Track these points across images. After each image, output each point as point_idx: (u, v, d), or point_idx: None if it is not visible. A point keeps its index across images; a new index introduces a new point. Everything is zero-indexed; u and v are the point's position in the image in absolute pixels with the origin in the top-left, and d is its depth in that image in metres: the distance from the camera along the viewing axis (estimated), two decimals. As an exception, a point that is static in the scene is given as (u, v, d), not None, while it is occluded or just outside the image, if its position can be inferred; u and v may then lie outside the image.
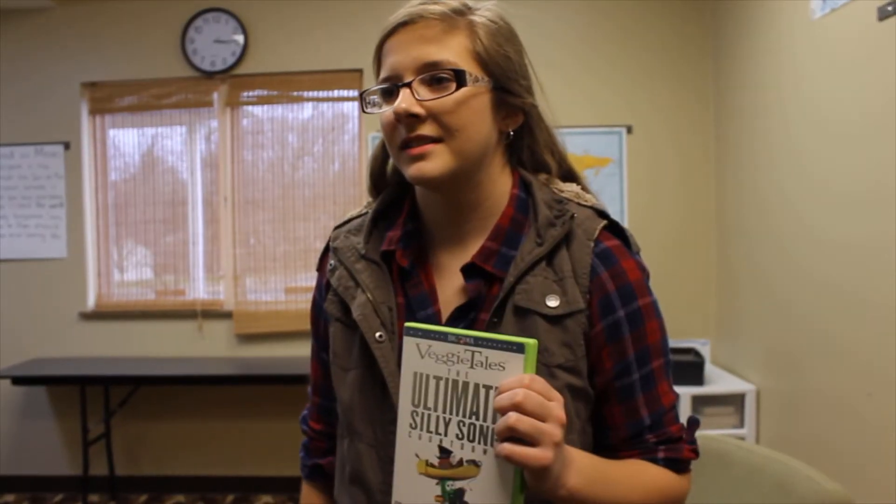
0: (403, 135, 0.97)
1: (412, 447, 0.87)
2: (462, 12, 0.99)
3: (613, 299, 0.99)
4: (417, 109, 0.95)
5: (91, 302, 4.47)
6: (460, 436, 0.84)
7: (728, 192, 3.97)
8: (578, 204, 1.05)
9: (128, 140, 4.52)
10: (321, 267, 1.17)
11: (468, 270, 1.01)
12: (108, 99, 4.43)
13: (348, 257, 1.08)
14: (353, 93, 4.34)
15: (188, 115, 4.46)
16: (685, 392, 3.50)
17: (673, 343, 4.00)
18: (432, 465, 0.86)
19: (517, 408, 0.78)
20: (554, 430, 0.80)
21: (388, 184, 1.14)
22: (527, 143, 1.08)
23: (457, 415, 0.84)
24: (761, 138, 3.48)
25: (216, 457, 4.39)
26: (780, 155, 3.26)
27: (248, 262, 4.43)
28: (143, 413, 4.40)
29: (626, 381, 1.01)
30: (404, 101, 0.95)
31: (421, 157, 0.96)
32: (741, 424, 3.56)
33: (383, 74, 0.99)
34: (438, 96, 0.95)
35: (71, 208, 4.43)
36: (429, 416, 0.86)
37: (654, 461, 1.02)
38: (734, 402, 3.60)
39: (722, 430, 3.50)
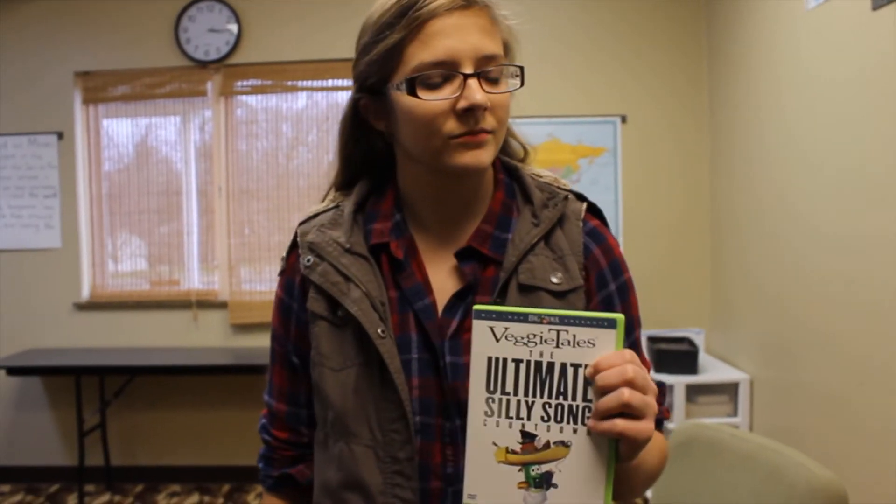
0: (464, 126, 0.95)
1: (488, 436, 0.83)
2: (489, 4, 0.98)
3: (606, 274, 1.04)
4: (488, 102, 0.94)
5: (86, 292, 4.46)
6: (546, 418, 0.82)
7: (723, 181, 3.98)
8: (559, 188, 1.08)
9: (121, 130, 4.50)
10: (287, 269, 1.11)
11: (462, 254, 1.02)
12: (102, 88, 4.41)
13: (330, 252, 1.04)
14: (348, 82, 4.32)
15: (182, 104, 4.44)
16: (680, 381, 3.52)
17: (667, 332, 4.04)
18: (514, 452, 0.83)
19: (629, 384, 0.78)
20: (654, 403, 0.81)
21: (361, 176, 1.11)
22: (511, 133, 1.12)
23: (541, 396, 0.82)
24: (756, 128, 3.49)
25: (212, 447, 4.39)
26: (774, 145, 3.27)
27: (243, 251, 4.43)
28: (138, 403, 4.40)
29: None
30: (479, 92, 0.93)
31: (478, 146, 0.96)
32: (735, 413, 3.58)
33: (429, 57, 0.93)
34: (498, 91, 0.96)
35: (65, 198, 4.42)
36: (508, 401, 0.83)
37: None
38: (728, 390, 3.62)
39: (716, 418, 3.52)
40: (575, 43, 4.19)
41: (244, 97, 4.42)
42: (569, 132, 4.14)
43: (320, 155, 4.41)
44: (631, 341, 1.05)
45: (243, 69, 4.35)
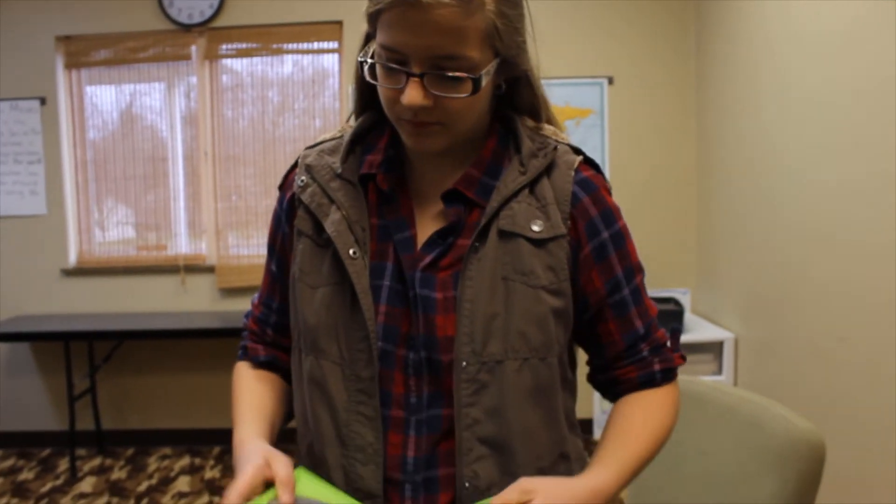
0: (405, 116, 0.96)
1: None
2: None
3: (597, 222, 1.04)
4: (427, 104, 0.94)
5: (73, 258, 4.45)
6: None
7: (709, 142, 3.99)
8: (556, 141, 1.08)
9: (105, 97, 4.45)
10: (284, 185, 1.16)
11: (448, 196, 1.03)
12: (84, 53, 4.35)
13: (322, 175, 1.07)
14: (334, 45, 4.29)
15: (167, 70, 4.39)
16: (664, 341, 3.55)
17: (653, 292, 4.03)
18: None
19: None
20: None
21: (371, 105, 1.11)
22: (526, 95, 1.11)
23: None
24: (742, 88, 3.49)
25: (201, 409, 4.42)
26: (761, 105, 3.27)
27: (230, 217, 4.42)
28: (127, 368, 4.41)
29: (619, 296, 1.07)
30: (415, 95, 0.92)
31: (424, 135, 0.98)
32: (719, 371, 3.63)
33: (386, 41, 0.93)
34: (450, 95, 0.94)
35: (49, 165, 4.38)
36: None
37: (652, 376, 1.09)
38: (713, 349, 3.66)
39: (701, 376, 3.56)
40: (561, 2, 4.16)
41: (229, 62, 4.37)
42: (555, 94, 4.11)
43: (307, 121, 4.39)
44: (633, 288, 1.07)
45: (228, 32, 4.30)
